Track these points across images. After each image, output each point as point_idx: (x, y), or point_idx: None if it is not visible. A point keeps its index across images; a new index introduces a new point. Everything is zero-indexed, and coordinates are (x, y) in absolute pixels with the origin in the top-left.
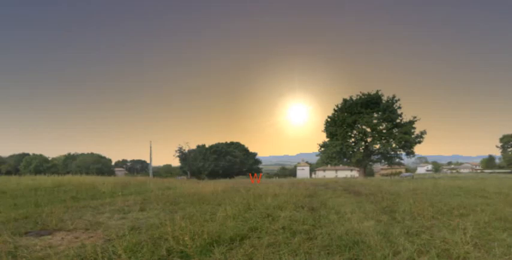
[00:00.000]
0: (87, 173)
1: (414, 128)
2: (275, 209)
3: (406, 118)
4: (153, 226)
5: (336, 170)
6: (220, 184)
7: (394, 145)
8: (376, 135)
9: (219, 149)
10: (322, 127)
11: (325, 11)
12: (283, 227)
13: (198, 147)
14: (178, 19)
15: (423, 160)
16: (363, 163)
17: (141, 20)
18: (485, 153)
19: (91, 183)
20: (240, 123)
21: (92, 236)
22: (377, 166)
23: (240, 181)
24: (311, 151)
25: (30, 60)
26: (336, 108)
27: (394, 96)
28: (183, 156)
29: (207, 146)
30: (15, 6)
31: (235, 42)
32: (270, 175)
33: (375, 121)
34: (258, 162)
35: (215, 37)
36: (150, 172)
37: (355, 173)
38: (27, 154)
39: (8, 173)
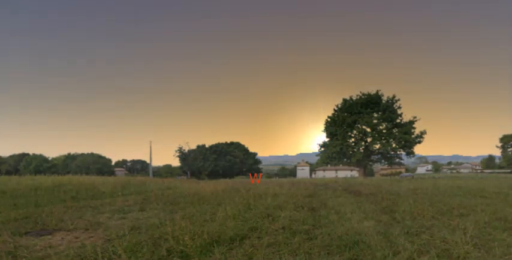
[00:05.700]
0: (87, 173)
1: (414, 128)
2: (275, 209)
3: (406, 118)
4: (153, 226)
5: (336, 170)
6: (220, 184)
7: (394, 145)
8: (376, 135)
9: (219, 149)
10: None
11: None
12: (283, 227)
13: (198, 147)
14: (188, 21)
15: (423, 160)
16: (363, 163)
17: (146, 20)
18: (485, 153)
19: (91, 183)
20: (243, 125)
21: (92, 236)
22: (377, 166)
23: (240, 181)
24: (311, 151)
25: (29, 59)
26: (336, 108)
27: (394, 96)
28: (183, 156)
29: (207, 146)
30: None
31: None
32: (270, 175)
33: (374, 121)
34: (258, 162)
35: (228, 44)
36: (150, 172)
37: (355, 173)
38: (27, 154)
39: (8, 173)
